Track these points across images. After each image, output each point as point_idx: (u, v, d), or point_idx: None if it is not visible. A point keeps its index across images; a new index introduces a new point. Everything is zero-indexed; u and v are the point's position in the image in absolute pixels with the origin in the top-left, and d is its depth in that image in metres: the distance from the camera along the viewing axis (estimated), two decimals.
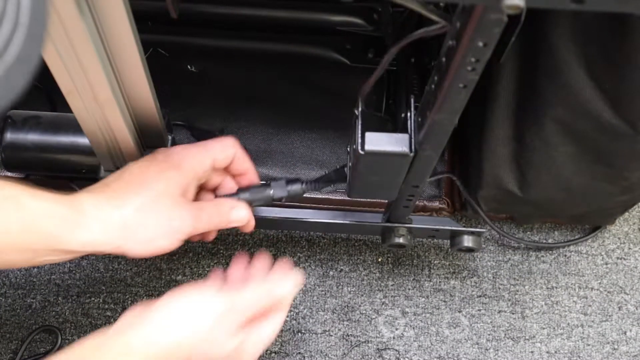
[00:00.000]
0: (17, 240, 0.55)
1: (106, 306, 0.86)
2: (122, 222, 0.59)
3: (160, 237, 0.61)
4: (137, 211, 0.60)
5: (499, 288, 0.90)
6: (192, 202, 0.64)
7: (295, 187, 0.70)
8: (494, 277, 0.90)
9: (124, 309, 0.85)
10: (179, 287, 0.61)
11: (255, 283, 0.65)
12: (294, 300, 0.86)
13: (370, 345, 0.86)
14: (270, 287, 0.64)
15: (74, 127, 0.66)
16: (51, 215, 0.56)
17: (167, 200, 0.61)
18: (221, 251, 0.89)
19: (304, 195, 0.75)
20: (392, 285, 0.89)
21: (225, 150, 0.66)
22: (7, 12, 0.27)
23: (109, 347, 0.56)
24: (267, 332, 0.64)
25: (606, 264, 0.92)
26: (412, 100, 0.62)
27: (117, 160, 0.70)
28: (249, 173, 0.69)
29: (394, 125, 0.83)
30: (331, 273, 0.89)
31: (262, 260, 0.69)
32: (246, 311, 0.61)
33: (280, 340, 0.85)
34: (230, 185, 0.70)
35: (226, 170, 0.68)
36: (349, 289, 0.88)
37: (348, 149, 0.66)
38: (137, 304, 0.60)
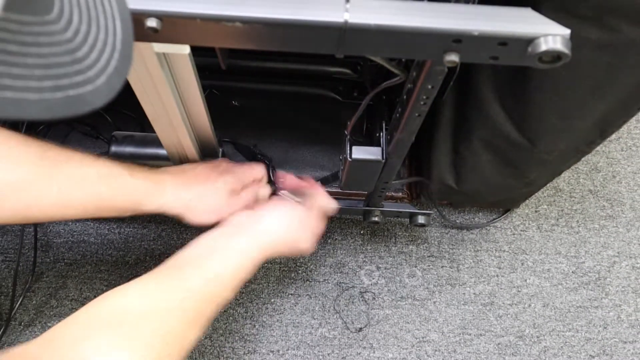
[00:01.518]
0: (119, 204, 0.56)
1: None
2: (188, 200, 0.60)
3: (207, 214, 0.61)
4: (199, 195, 0.60)
5: (442, 251, 0.90)
6: (235, 195, 0.64)
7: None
8: (438, 244, 0.90)
9: None
10: (272, 203, 0.65)
11: (312, 200, 0.67)
12: (304, 258, 0.87)
13: (355, 289, 0.86)
14: (321, 201, 0.67)
15: (157, 143, 0.66)
16: (142, 190, 0.57)
17: (219, 194, 0.62)
18: None
19: None
20: (370, 249, 0.89)
21: (262, 171, 0.68)
22: (108, 41, 0.28)
23: (235, 240, 0.57)
24: (322, 227, 0.67)
25: (513, 234, 0.92)
26: (384, 125, 0.62)
27: None
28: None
29: (371, 141, 0.83)
30: (329, 241, 0.89)
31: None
32: (317, 215, 0.65)
33: (294, 286, 0.85)
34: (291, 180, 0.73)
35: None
36: (341, 251, 0.89)
37: (341, 157, 0.67)
38: (240, 214, 0.62)
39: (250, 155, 0.84)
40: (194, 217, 0.61)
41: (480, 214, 0.93)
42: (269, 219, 0.61)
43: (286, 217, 0.62)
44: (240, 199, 0.64)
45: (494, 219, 0.92)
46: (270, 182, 0.82)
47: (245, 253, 0.56)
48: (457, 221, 0.92)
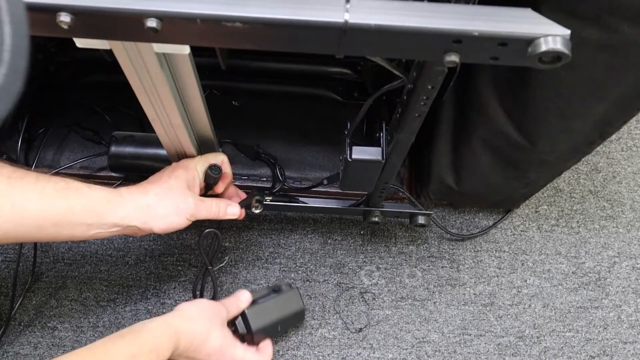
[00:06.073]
0: (78, 217, 0.55)
1: (178, 263, 0.86)
2: (146, 204, 0.59)
3: (171, 215, 0.60)
4: (156, 196, 0.60)
5: (442, 251, 0.90)
6: (198, 196, 0.64)
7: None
8: (438, 244, 0.90)
9: (190, 265, 0.85)
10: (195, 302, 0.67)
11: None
12: (304, 258, 0.87)
13: (355, 289, 0.86)
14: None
15: (156, 143, 0.66)
16: (101, 199, 0.56)
17: (177, 191, 0.61)
18: (255, 226, 0.89)
19: (314, 188, 0.77)
20: (370, 249, 0.89)
21: (217, 157, 0.66)
22: None
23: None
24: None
25: (513, 234, 0.92)
26: (384, 125, 0.62)
27: None
28: (230, 176, 0.70)
29: (371, 141, 0.83)
30: (329, 241, 0.89)
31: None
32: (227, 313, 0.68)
33: (294, 286, 0.85)
34: (232, 190, 0.72)
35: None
36: (341, 252, 0.88)
37: (341, 157, 0.67)
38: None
39: (253, 155, 0.84)
40: (159, 222, 0.60)
41: (480, 214, 0.93)
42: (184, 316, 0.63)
43: (195, 317, 0.64)
44: (205, 204, 0.63)
45: (494, 224, 0.91)
46: (277, 181, 0.83)
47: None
48: (457, 225, 0.92)
